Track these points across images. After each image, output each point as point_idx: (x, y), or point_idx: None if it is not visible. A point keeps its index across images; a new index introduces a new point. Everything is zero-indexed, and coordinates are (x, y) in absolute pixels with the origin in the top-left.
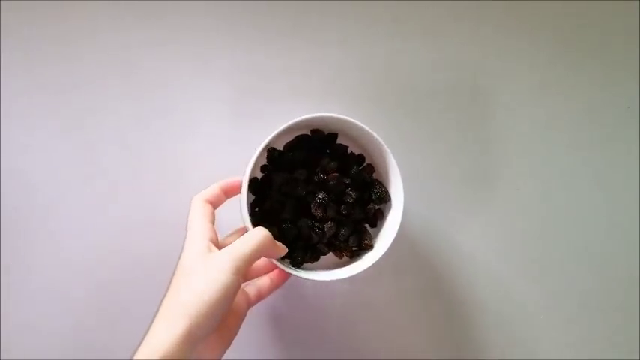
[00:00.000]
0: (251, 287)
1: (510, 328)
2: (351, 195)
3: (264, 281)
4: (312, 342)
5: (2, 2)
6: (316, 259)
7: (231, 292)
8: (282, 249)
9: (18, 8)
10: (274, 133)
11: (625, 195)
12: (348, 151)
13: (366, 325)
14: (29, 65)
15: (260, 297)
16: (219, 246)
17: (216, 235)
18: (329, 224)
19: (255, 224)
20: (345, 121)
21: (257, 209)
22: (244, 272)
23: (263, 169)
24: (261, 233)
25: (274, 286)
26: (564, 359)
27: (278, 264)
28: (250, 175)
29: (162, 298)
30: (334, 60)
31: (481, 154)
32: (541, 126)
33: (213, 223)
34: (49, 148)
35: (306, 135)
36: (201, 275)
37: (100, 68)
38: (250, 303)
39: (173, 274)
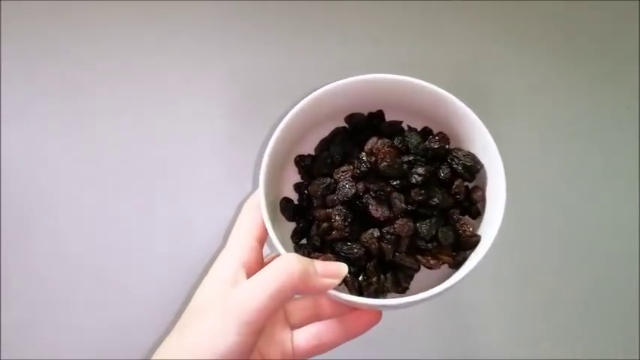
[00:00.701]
0: (302, 336)
1: (510, 328)
2: (417, 171)
3: (327, 329)
4: None
5: (2, 3)
6: (406, 283)
7: (235, 356)
8: (333, 274)
9: (18, 10)
10: (277, 131)
11: (625, 195)
12: (405, 127)
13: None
14: (29, 66)
15: (318, 349)
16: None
17: (258, 256)
18: (401, 221)
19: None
20: (394, 82)
21: (304, 240)
22: (260, 326)
23: (297, 187)
24: (284, 267)
25: (348, 334)
26: (564, 359)
27: (338, 295)
28: (271, 196)
29: (172, 329)
30: (335, 60)
31: None
32: (541, 125)
33: (261, 239)
34: (49, 149)
35: (343, 127)
36: (203, 328)
37: (100, 69)
38: (294, 357)
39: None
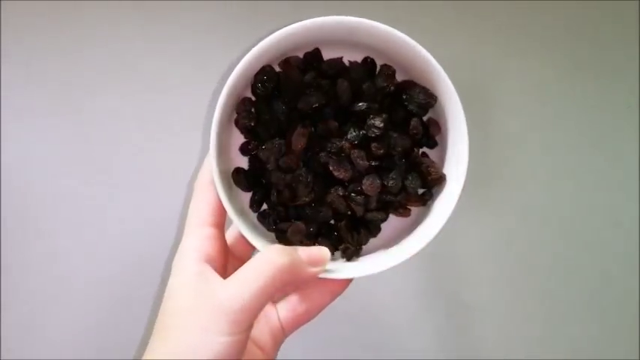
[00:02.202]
0: (287, 306)
1: (510, 328)
2: (375, 124)
3: (309, 292)
4: (310, 341)
5: (2, 3)
6: (377, 229)
7: (231, 356)
8: (319, 261)
9: (18, 8)
10: (225, 89)
11: (625, 195)
12: (346, 62)
13: (363, 325)
14: (29, 65)
15: (307, 315)
16: (226, 261)
17: (220, 244)
18: (368, 180)
19: (270, 230)
20: (332, 25)
21: (265, 209)
22: (249, 324)
23: (244, 149)
24: (270, 262)
25: (331, 293)
26: (564, 359)
27: (327, 277)
28: (221, 166)
29: (149, 340)
30: None
31: (481, 154)
32: (541, 126)
33: (220, 223)
34: (49, 149)
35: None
36: (191, 329)
37: (100, 68)
38: (284, 333)
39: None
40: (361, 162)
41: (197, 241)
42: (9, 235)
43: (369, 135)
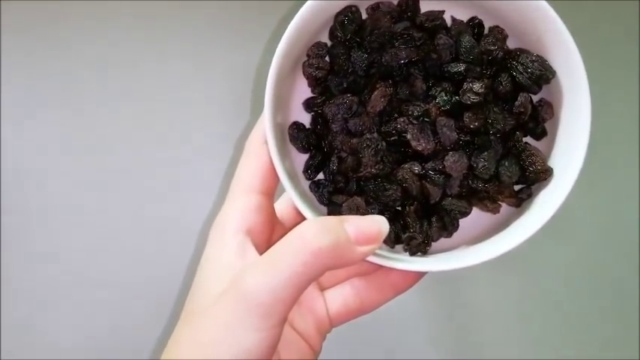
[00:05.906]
0: (338, 297)
1: (510, 328)
2: (473, 88)
3: (367, 286)
4: None
5: (2, 2)
6: (453, 226)
7: (262, 352)
8: (372, 238)
9: (18, 8)
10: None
11: (625, 195)
12: (448, 20)
13: (362, 324)
14: (29, 65)
15: (359, 312)
16: (272, 234)
17: (266, 215)
18: (453, 157)
19: (322, 202)
20: None
21: (321, 179)
22: (283, 317)
23: (309, 105)
24: (306, 243)
25: (394, 290)
26: (564, 359)
27: (378, 261)
28: (277, 119)
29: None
30: None
31: None
32: None
33: (269, 190)
34: (48, 149)
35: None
36: (218, 321)
37: (100, 68)
38: (330, 325)
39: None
40: (448, 132)
41: (241, 209)
42: (9, 235)
43: (464, 102)
